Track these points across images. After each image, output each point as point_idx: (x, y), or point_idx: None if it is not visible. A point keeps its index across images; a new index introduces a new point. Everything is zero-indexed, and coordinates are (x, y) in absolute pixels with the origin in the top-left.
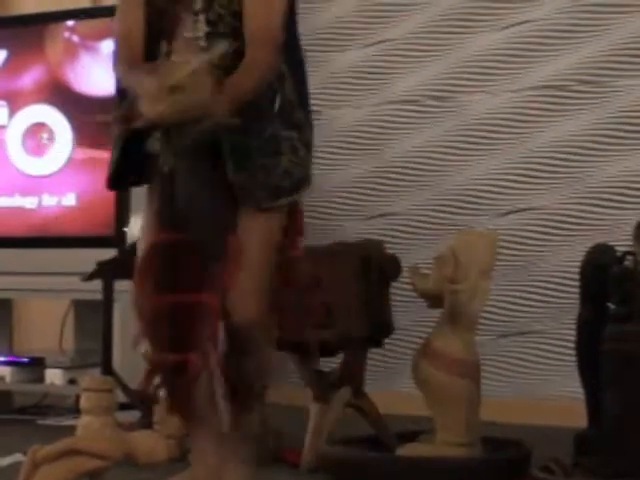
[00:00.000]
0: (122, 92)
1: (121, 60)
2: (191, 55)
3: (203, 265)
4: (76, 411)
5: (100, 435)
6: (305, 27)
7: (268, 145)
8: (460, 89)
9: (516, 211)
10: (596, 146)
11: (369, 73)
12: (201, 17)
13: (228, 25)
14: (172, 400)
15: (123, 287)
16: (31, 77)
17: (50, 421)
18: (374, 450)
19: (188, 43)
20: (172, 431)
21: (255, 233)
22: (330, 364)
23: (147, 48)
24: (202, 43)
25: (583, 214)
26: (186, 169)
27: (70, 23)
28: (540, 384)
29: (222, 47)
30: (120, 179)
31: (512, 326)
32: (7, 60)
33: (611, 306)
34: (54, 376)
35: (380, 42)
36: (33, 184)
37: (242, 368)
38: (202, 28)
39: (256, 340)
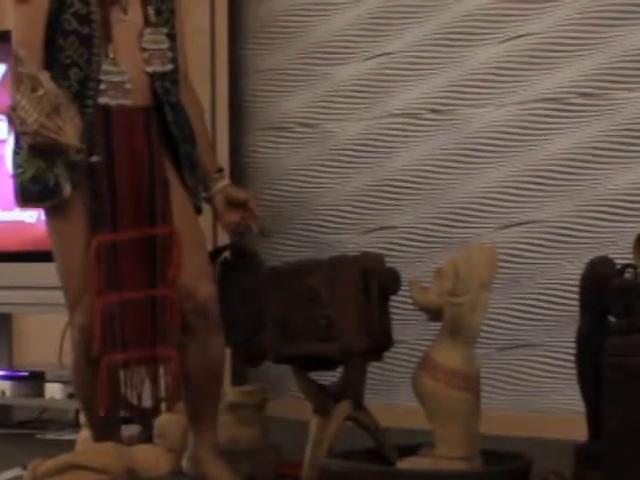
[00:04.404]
0: None
1: (17, 80)
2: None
3: (148, 261)
4: (76, 425)
5: (100, 449)
6: (305, 41)
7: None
8: (460, 102)
9: (516, 224)
10: (596, 159)
11: (369, 86)
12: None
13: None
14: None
15: None
16: None
17: (50, 435)
18: (374, 463)
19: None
20: (173, 445)
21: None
22: (330, 377)
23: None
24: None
25: (583, 227)
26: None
27: None
28: (540, 397)
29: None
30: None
31: (512, 339)
32: (7, 74)
33: (611, 319)
34: (54, 390)
35: (379, 56)
36: None
37: (211, 350)
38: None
39: (218, 316)
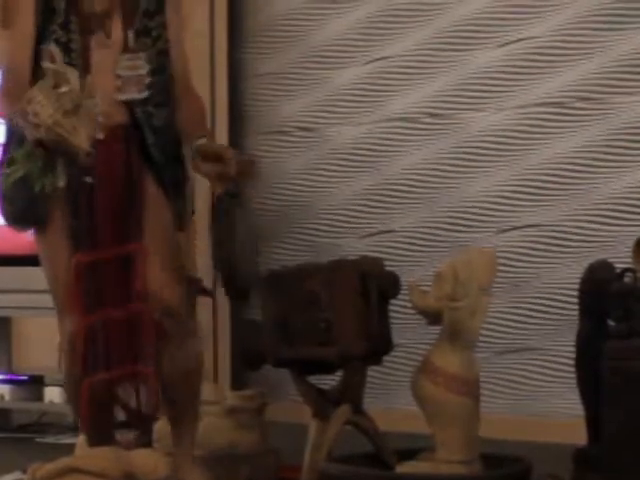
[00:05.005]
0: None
1: (6, 94)
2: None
3: (124, 278)
4: (75, 429)
5: (99, 453)
6: (304, 45)
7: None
8: (458, 106)
9: (515, 228)
10: (595, 163)
11: (367, 91)
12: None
13: (152, 61)
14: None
15: None
16: None
17: (49, 439)
18: (373, 467)
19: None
20: (172, 449)
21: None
22: (329, 381)
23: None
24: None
25: (582, 231)
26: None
27: None
28: (540, 400)
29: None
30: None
31: (511, 343)
32: None
33: (611, 323)
34: (53, 394)
35: (378, 60)
36: None
37: (185, 351)
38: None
39: (182, 326)
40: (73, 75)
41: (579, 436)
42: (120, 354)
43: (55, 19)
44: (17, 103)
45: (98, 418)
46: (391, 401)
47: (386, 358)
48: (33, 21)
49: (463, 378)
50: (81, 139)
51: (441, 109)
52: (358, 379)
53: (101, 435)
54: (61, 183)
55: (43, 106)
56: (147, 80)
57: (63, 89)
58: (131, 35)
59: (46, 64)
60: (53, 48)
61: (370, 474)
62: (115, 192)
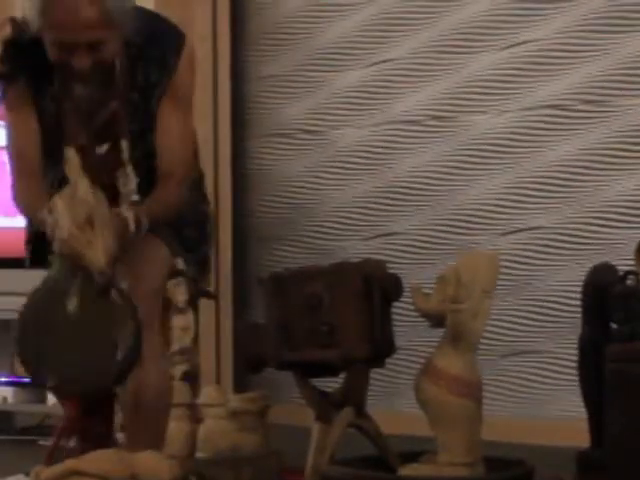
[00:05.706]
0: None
1: (18, 178)
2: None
3: None
4: None
5: (102, 456)
6: (307, 48)
7: None
8: (461, 109)
9: (517, 231)
10: (598, 165)
11: (371, 93)
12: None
13: (143, 167)
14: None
15: None
16: None
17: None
18: (376, 470)
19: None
20: (175, 451)
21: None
22: (332, 384)
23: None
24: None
25: (584, 233)
26: None
27: None
28: (542, 403)
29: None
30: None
31: (514, 345)
32: None
33: (613, 325)
34: None
35: (381, 62)
36: None
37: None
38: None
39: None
40: (82, 183)
41: (582, 439)
42: None
43: (45, 117)
44: (32, 197)
45: (90, 422)
46: (394, 404)
47: (389, 361)
48: (33, 110)
49: (465, 380)
50: (97, 255)
51: (444, 111)
52: (361, 382)
53: (96, 438)
54: (70, 307)
55: (62, 216)
56: (135, 196)
57: (76, 199)
58: (125, 145)
59: (65, 168)
60: (70, 152)
61: (373, 477)
62: None
